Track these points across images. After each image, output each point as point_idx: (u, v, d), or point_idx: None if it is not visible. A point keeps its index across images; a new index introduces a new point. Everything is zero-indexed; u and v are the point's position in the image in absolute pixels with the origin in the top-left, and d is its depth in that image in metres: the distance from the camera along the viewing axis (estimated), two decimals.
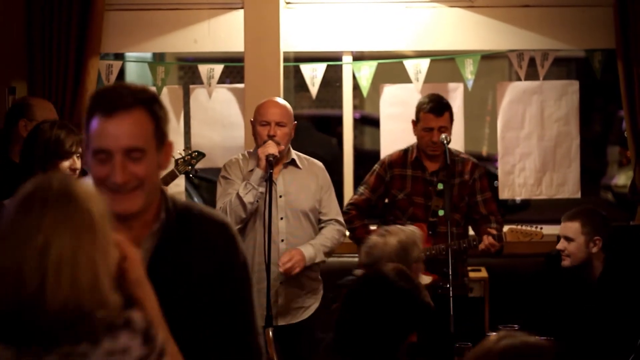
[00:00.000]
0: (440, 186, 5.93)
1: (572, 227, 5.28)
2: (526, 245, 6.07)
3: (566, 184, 7.03)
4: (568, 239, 5.27)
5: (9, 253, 2.22)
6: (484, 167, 6.19)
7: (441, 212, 5.86)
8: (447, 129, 5.92)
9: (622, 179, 10.86)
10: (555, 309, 5.29)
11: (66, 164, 4.54)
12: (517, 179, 7.01)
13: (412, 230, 4.66)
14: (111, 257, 2.31)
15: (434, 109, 5.92)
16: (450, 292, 5.33)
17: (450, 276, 5.44)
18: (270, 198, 5.34)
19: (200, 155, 6.08)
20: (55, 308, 2.18)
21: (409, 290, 3.46)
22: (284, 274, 5.45)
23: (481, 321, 6.25)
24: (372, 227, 6.03)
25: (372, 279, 3.53)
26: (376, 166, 6.12)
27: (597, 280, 5.25)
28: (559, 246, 5.31)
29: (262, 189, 5.41)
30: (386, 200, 6.09)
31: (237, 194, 5.39)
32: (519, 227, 5.84)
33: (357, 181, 7.02)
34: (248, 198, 5.40)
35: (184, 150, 6.22)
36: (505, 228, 5.87)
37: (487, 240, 5.74)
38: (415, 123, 6.00)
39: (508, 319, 5.10)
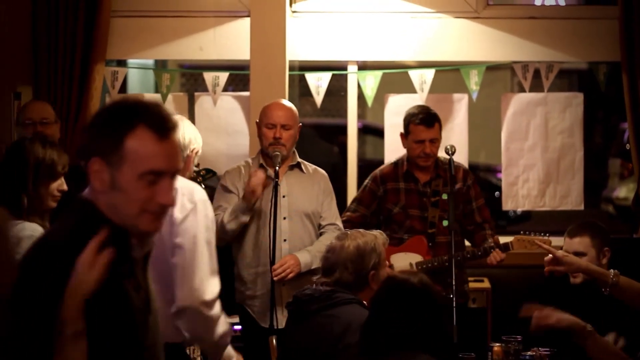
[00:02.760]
0: (444, 196, 5.92)
1: (582, 242, 5.24)
2: (529, 256, 6.05)
3: (569, 195, 7.03)
4: (579, 254, 5.24)
5: None
6: (473, 174, 6.17)
7: (445, 223, 5.86)
8: (438, 140, 5.90)
9: (623, 192, 10.88)
10: None
11: (55, 185, 4.46)
12: (521, 190, 7.02)
13: (374, 235, 4.61)
14: None
15: (424, 121, 5.88)
16: (454, 303, 5.33)
17: (454, 287, 5.44)
18: (275, 199, 5.38)
19: (210, 172, 6.04)
20: None
21: (436, 300, 3.56)
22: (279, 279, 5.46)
23: (484, 332, 6.25)
24: None
25: (399, 289, 3.59)
26: (367, 182, 6.07)
27: (602, 291, 5.24)
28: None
29: (245, 218, 5.43)
30: (381, 217, 6.05)
31: (222, 221, 5.41)
32: (526, 236, 5.81)
33: None
34: (230, 226, 5.44)
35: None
36: (512, 237, 5.86)
37: (495, 257, 5.73)
38: (404, 135, 5.96)
39: (511, 329, 5.10)
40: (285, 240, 5.56)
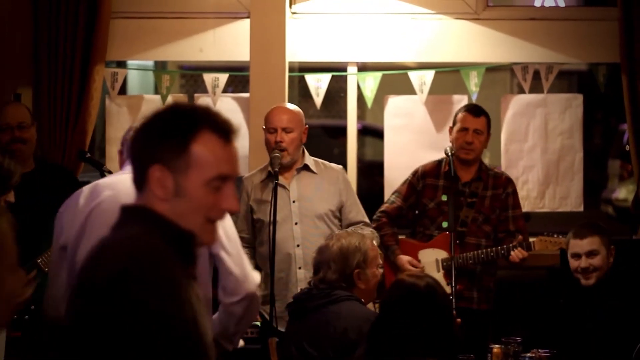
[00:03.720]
0: (444, 198, 5.94)
1: (594, 242, 5.28)
2: (530, 258, 6.06)
3: (569, 197, 7.03)
4: (593, 254, 5.24)
5: None
6: (515, 183, 6.19)
7: (445, 224, 5.87)
8: (483, 133, 5.96)
9: (623, 193, 10.87)
10: (559, 321, 5.29)
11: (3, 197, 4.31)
12: (520, 192, 6.99)
13: (362, 235, 4.66)
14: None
15: (471, 110, 6.01)
16: (454, 303, 5.34)
17: (453, 289, 5.46)
18: (275, 207, 5.37)
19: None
20: None
21: (442, 302, 3.58)
22: None
23: (485, 333, 6.24)
24: (401, 237, 6.08)
25: (406, 292, 3.60)
26: (409, 176, 6.14)
27: (603, 293, 5.25)
28: (583, 264, 5.22)
29: None
30: (417, 212, 6.09)
31: None
32: (547, 237, 5.83)
33: (360, 191, 7.02)
34: None
35: None
36: (533, 238, 5.88)
37: (517, 254, 5.74)
38: (451, 128, 6.05)
39: (511, 330, 5.11)
40: (298, 245, 5.57)
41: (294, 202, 5.60)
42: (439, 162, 6.09)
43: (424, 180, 6.05)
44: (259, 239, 5.66)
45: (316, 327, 4.35)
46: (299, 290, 5.46)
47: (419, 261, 5.95)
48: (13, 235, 2.18)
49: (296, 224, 5.58)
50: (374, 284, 4.62)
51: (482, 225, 5.92)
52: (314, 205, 5.63)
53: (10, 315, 2.23)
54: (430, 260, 5.92)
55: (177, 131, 2.43)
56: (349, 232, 4.68)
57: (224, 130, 2.46)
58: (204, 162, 2.41)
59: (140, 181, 2.46)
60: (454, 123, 6.03)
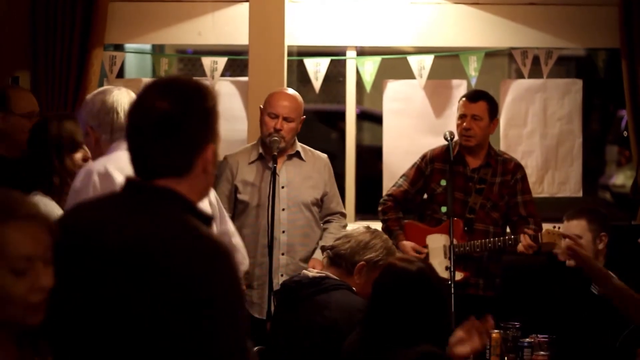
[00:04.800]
0: (443, 182, 5.91)
1: (579, 225, 5.28)
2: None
3: (568, 182, 7.03)
4: (577, 237, 5.26)
5: None
6: (524, 169, 6.14)
7: (444, 209, 5.84)
8: (482, 119, 5.85)
9: (620, 179, 10.88)
10: (558, 306, 5.29)
11: (79, 155, 4.47)
12: None
13: (392, 252, 4.57)
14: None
15: (468, 96, 5.93)
16: (452, 290, 5.32)
17: (453, 273, 5.42)
18: (274, 192, 5.34)
19: None
20: None
21: (435, 287, 3.56)
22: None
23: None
24: (406, 221, 6.04)
25: (398, 277, 3.58)
26: (417, 160, 6.07)
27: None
28: (566, 245, 5.28)
29: None
30: (425, 196, 6.06)
31: None
32: (555, 228, 5.75)
33: (359, 176, 7.02)
34: None
35: None
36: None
37: (525, 241, 5.68)
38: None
39: (510, 316, 5.11)
40: (283, 231, 5.53)
41: (283, 187, 5.57)
42: (448, 146, 6.03)
43: (432, 165, 5.98)
44: (241, 221, 5.57)
45: (306, 316, 4.30)
46: (280, 277, 5.45)
47: (426, 246, 5.88)
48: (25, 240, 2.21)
49: (283, 209, 5.55)
50: (368, 290, 4.44)
51: (491, 212, 5.86)
52: (302, 193, 5.61)
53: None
54: (438, 245, 5.85)
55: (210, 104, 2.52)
56: (388, 239, 4.63)
57: None
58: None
59: (183, 164, 2.48)
60: (458, 110, 5.98)
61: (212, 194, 3.91)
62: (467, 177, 5.92)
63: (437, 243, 5.88)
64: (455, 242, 5.73)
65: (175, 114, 2.45)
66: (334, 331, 4.14)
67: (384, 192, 6.27)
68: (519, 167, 6.01)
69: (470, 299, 5.52)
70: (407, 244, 5.89)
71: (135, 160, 2.50)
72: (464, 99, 5.94)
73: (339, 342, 3.95)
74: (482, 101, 5.89)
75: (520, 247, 5.69)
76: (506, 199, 5.91)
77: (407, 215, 6.16)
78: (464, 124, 5.86)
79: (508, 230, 5.98)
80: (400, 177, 6.11)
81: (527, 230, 5.70)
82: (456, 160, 5.89)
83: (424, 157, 6.04)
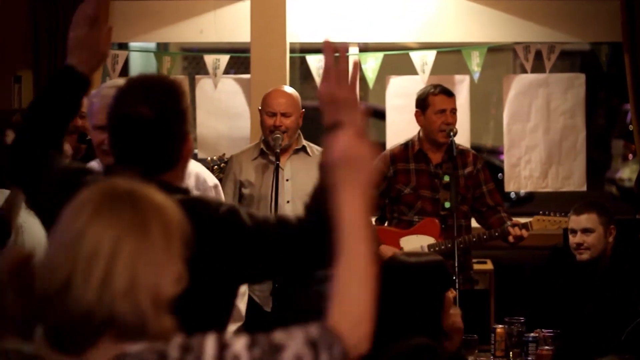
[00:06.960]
0: (446, 178, 5.87)
1: (590, 219, 5.27)
2: (532, 238, 6.03)
3: (572, 176, 7.02)
4: (587, 231, 5.25)
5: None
6: (482, 158, 6.11)
7: (447, 204, 5.80)
8: (456, 113, 5.82)
9: (626, 173, 10.88)
10: (562, 301, 5.29)
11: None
12: (523, 172, 7.01)
13: None
14: (167, 276, 1.90)
15: (444, 91, 5.81)
16: (457, 285, 5.31)
17: (457, 269, 5.42)
18: (277, 183, 5.38)
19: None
20: (79, 309, 1.83)
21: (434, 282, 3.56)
22: None
23: (487, 313, 6.24)
24: (377, 226, 5.96)
25: (394, 270, 3.58)
26: (375, 162, 5.94)
27: (605, 272, 5.26)
28: (577, 240, 5.24)
29: None
30: (387, 200, 5.93)
31: None
32: (546, 216, 5.73)
33: None
34: None
35: (218, 157, 6.08)
36: (531, 217, 5.80)
37: (515, 232, 5.63)
38: (420, 112, 5.82)
39: (514, 311, 5.10)
40: None
41: (287, 180, 5.61)
42: (406, 145, 5.92)
43: (394, 166, 5.86)
44: None
45: (301, 308, 4.31)
46: None
47: (401, 249, 5.74)
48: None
49: (288, 202, 5.58)
50: None
51: (460, 205, 5.80)
52: (307, 186, 5.59)
53: None
54: (415, 247, 5.69)
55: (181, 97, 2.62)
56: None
57: None
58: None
59: (171, 156, 2.57)
60: (425, 105, 5.79)
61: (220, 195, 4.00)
62: (432, 173, 5.85)
63: (412, 244, 5.73)
64: (433, 241, 5.68)
65: (157, 117, 2.50)
66: None
67: None
68: (477, 157, 5.94)
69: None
70: (388, 249, 5.73)
71: (122, 163, 2.54)
72: (440, 94, 5.76)
73: None
74: (454, 97, 5.84)
75: (510, 238, 5.64)
76: (472, 190, 5.86)
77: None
78: (447, 118, 5.73)
79: (473, 221, 5.94)
80: None
81: (515, 221, 5.68)
82: (418, 158, 5.85)
83: (384, 158, 5.88)
